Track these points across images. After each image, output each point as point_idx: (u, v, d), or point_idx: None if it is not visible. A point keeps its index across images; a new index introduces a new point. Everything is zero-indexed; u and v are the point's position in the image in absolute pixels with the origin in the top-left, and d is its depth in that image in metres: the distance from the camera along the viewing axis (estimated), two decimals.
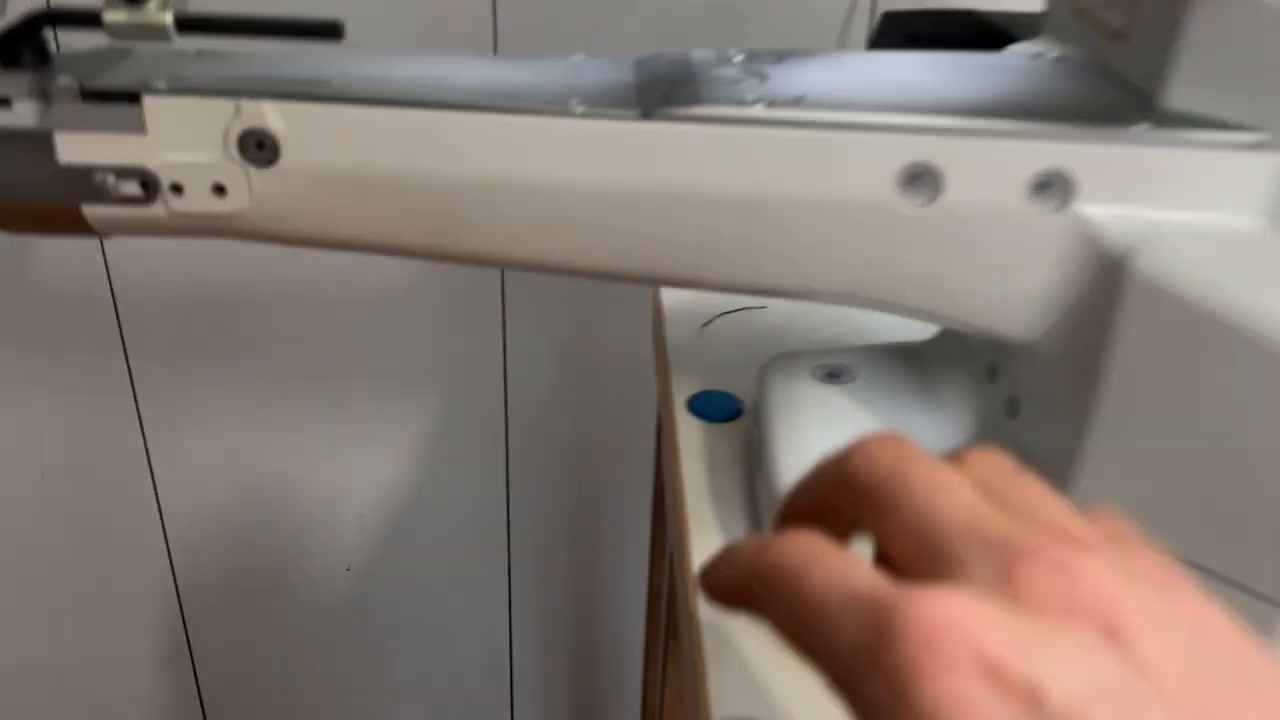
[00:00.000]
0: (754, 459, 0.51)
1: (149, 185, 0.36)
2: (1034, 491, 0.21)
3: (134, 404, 0.96)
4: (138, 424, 0.97)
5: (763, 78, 0.38)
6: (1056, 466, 0.37)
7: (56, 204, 0.36)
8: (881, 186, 0.35)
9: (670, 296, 0.66)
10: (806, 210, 0.36)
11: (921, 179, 0.35)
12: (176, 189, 0.36)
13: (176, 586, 1.07)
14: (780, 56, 0.40)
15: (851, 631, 0.18)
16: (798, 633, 0.19)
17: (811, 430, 0.46)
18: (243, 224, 0.37)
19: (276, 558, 1.07)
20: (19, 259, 0.88)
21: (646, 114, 0.35)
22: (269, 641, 1.11)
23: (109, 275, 0.89)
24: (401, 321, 0.94)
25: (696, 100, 0.35)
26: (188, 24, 0.35)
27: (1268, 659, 0.18)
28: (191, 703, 1.12)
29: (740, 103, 0.35)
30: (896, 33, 0.54)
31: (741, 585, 0.21)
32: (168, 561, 1.05)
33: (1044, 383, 0.39)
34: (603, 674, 1.18)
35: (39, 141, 0.35)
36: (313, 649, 1.11)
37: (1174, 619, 0.18)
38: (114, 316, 0.91)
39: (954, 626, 0.17)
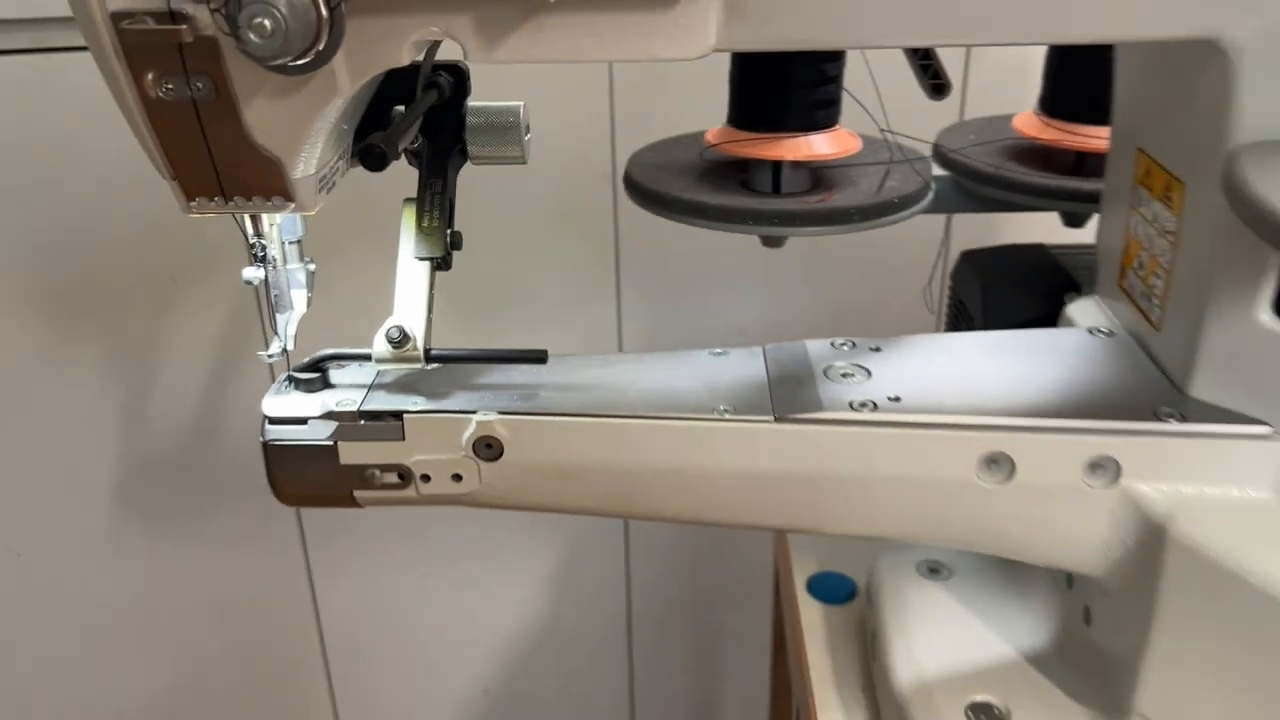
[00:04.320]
0: (870, 648, 0.60)
1: (405, 476, 0.48)
2: None
3: (303, 551, 1.09)
4: (305, 568, 1.11)
5: (867, 373, 0.49)
6: (1127, 667, 0.46)
7: (335, 491, 0.49)
8: (966, 470, 0.45)
9: None
10: (907, 485, 0.46)
11: (998, 464, 0.45)
12: (425, 478, 0.48)
13: (335, 712, 1.18)
14: (878, 346, 0.51)
15: None
16: None
17: (919, 626, 0.56)
18: (471, 499, 0.49)
19: (425, 683, 1.19)
20: (210, 433, 1.02)
21: (780, 418, 0.46)
22: None
23: None
24: None
25: (818, 405, 0.46)
26: (434, 357, 0.47)
27: None
28: None
29: (851, 405, 0.46)
30: (974, 270, 0.64)
31: None
32: (328, 687, 1.17)
33: (1110, 604, 0.48)
34: None
35: (327, 449, 0.48)
36: None
37: None
38: None
39: None
